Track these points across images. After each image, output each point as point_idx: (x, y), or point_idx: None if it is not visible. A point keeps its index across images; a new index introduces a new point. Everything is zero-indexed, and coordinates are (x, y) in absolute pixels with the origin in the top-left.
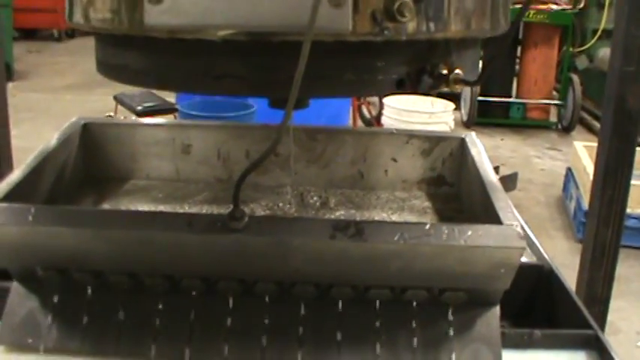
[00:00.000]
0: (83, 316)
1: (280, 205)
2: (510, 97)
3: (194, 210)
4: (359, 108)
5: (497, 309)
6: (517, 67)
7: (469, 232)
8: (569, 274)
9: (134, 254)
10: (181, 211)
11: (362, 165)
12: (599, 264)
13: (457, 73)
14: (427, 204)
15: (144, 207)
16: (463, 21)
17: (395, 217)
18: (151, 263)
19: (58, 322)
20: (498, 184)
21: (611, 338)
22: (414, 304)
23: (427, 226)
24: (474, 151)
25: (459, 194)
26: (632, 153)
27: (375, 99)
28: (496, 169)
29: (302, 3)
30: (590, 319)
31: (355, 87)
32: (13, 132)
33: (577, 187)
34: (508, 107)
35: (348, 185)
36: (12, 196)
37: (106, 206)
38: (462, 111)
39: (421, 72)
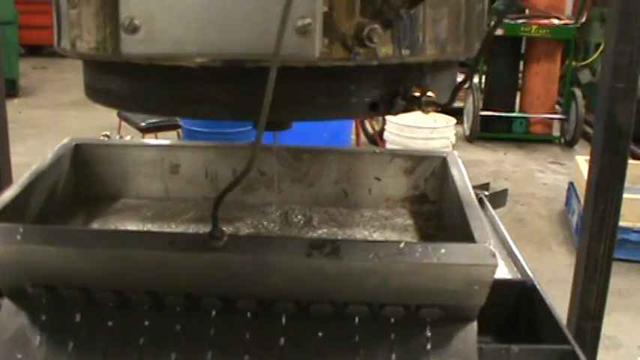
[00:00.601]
0: (71, 332)
1: (265, 223)
2: (513, 111)
3: (181, 228)
4: (362, 124)
5: (474, 325)
6: (520, 81)
7: (442, 250)
8: (570, 289)
9: (119, 272)
10: (168, 229)
11: (346, 184)
12: (592, 278)
13: (429, 96)
14: (409, 222)
15: (132, 225)
16: (435, 45)
17: (376, 235)
18: (135, 280)
19: (46, 338)
20: (475, 203)
21: (612, 353)
22: (392, 320)
23: (401, 245)
24: (454, 170)
25: (441, 212)
26: (623, 168)
27: None
28: (486, 185)
29: (270, 32)
30: (568, 335)
31: (329, 110)
32: (18, 148)
33: (579, 201)
34: (511, 122)
35: (333, 203)
36: (3, 214)
37: (95, 225)
38: (465, 125)
39: (394, 95)
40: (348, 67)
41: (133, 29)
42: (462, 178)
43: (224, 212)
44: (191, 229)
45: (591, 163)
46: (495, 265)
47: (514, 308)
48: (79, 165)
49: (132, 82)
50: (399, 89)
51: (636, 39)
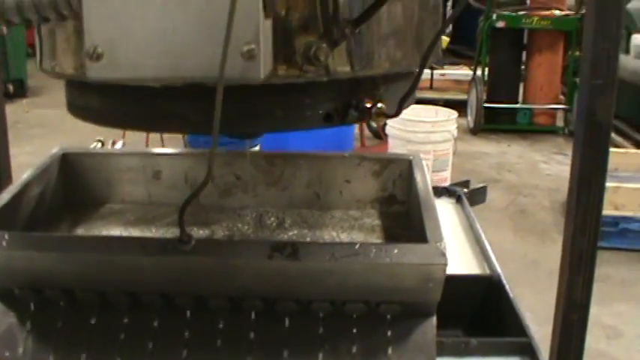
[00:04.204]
0: (56, 329)
1: (240, 226)
2: (517, 102)
3: (161, 232)
4: None
5: (433, 319)
6: (523, 73)
7: (395, 251)
8: None
9: (99, 274)
10: (149, 233)
11: (318, 186)
12: (577, 270)
13: (379, 107)
14: (377, 222)
15: (116, 230)
16: (383, 58)
17: (343, 236)
18: (114, 282)
19: (33, 336)
20: (433, 204)
21: (613, 342)
22: (354, 316)
23: (357, 246)
24: (417, 173)
25: (409, 212)
26: (605, 162)
27: None
28: (466, 182)
29: (218, 57)
30: (527, 328)
31: (285, 123)
32: (27, 148)
33: None
34: (515, 113)
35: (306, 206)
36: None
37: (80, 230)
38: (469, 118)
39: (347, 106)
40: (301, 83)
41: (97, 56)
42: (424, 180)
43: (203, 215)
44: (171, 232)
45: (573, 157)
46: (445, 264)
47: (482, 302)
48: (66, 173)
49: (107, 100)
50: (352, 101)
51: (613, 36)
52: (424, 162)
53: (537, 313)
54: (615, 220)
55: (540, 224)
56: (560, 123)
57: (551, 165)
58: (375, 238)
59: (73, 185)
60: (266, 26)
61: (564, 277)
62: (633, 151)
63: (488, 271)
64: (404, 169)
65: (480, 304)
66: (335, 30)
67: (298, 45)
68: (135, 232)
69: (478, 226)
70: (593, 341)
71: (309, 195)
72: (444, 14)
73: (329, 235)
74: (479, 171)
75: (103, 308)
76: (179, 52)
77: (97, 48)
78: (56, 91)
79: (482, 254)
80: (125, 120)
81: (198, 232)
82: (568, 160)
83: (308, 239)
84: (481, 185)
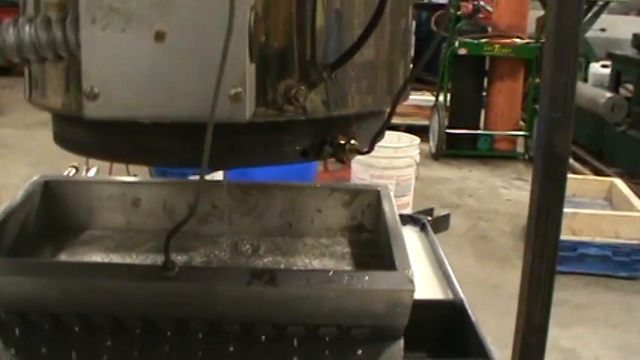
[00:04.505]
0: (40, 353)
1: (216, 252)
2: (478, 129)
3: (141, 258)
4: None
5: (400, 342)
6: (484, 99)
7: (366, 278)
8: None
9: (84, 299)
10: (129, 259)
11: (290, 215)
12: (535, 295)
13: (352, 144)
14: (347, 250)
15: (97, 256)
16: (358, 99)
17: (315, 263)
18: (98, 306)
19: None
20: (401, 233)
21: None
22: (327, 339)
23: (330, 273)
24: (385, 203)
25: (377, 240)
26: (562, 193)
27: None
28: (430, 210)
29: (206, 98)
30: (489, 350)
31: (265, 159)
32: None
33: None
34: (476, 139)
35: (279, 233)
36: None
37: (63, 256)
38: (431, 143)
39: (322, 143)
40: (280, 121)
41: (94, 96)
42: (392, 210)
43: (181, 242)
44: (150, 258)
45: (532, 187)
46: (412, 290)
47: (447, 326)
48: (48, 200)
49: (95, 134)
50: (327, 138)
51: (570, 70)
52: (391, 192)
53: (498, 336)
54: (573, 245)
55: (501, 249)
56: (520, 149)
57: (511, 190)
58: (345, 265)
59: (54, 212)
60: (251, 70)
61: (523, 302)
62: (591, 177)
63: (451, 296)
64: (372, 199)
65: (445, 328)
66: (313, 73)
67: (279, 87)
68: (116, 259)
69: (442, 253)
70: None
71: (282, 223)
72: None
73: (302, 262)
74: (440, 196)
75: (87, 331)
76: (170, 93)
77: (94, 88)
78: (18, 111)
79: (446, 280)
80: (112, 153)
81: (177, 258)
82: (527, 186)
83: (282, 266)
84: (444, 213)
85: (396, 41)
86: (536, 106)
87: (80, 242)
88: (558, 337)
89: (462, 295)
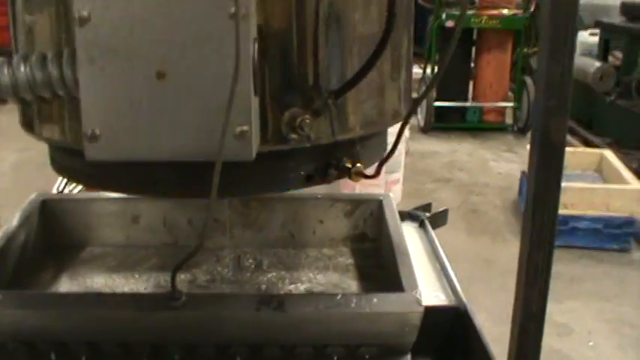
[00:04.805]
0: None
1: (219, 269)
2: (467, 101)
3: (144, 278)
4: None
5: (408, 356)
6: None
7: (374, 300)
8: None
9: (91, 329)
10: (132, 279)
11: (292, 227)
12: (533, 284)
13: (358, 167)
14: (350, 261)
15: (99, 276)
16: (362, 122)
17: (320, 277)
18: (106, 335)
19: None
20: (406, 249)
21: (565, 339)
22: (335, 358)
23: (339, 297)
24: (388, 213)
25: (380, 248)
26: (558, 181)
27: None
28: (427, 206)
29: (210, 138)
30: (492, 356)
31: (269, 185)
32: None
33: None
34: (464, 111)
35: (281, 245)
36: None
37: (65, 277)
38: (419, 117)
39: (327, 166)
40: (285, 149)
41: (94, 138)
42: (394, 218)
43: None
44: (153, 277)
45: (529, 177)
46: (421, 312)
47: (449, 331)
48: (46, 219)
49: (94, 165)
50: (332, 161)
51: (566, 59)
52: (393, 201)
53: (492, 313)
54: (565, 219)
55: (492, 224)
56: (509, 120)
57: (500, 163)
58: (350, 279)
59: (53, 230)
60: (255, 105)
61: (521, 289)
62: (581, 149)
63: (454, 299)
64: (374, 208)
65: (448, 334)
66: (317, 102)
67: (283, 117)
68: (118, 279)
69: (442, 253)
70: (546, 338)
71: (284, 235)
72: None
73: (306, 276)
74: (431, 170)
75: (95, 359)
76: (173, 132)
77: (95, 130)
78: None
79: (448, 283)
80: (114, 184)
81: (180, 277)
82: (517, 158)
83: (287, 281)
84: (442, 209)
85: (400, 60)
86: (525, 78)
87: (81, 261)
88: (551, 311)
89: (464, 300)
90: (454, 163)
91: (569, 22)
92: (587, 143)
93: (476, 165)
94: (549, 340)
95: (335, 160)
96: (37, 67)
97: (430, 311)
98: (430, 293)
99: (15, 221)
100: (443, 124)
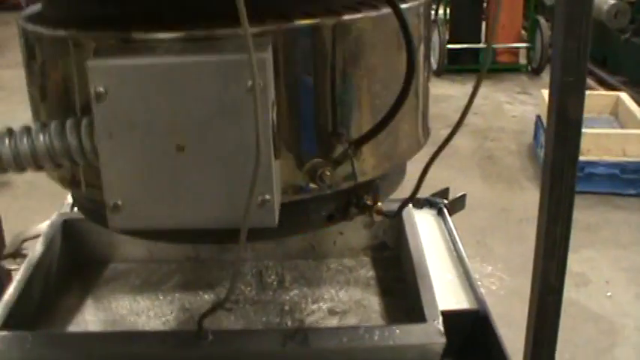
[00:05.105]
0: None
1: (242, 287)
2: (479, 42)
3: (168, 298)
4: None
5: None
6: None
7: (397, 332)
8: None
9: None
10: (157, 301)
11: (313, 238)
12: (551, 257)
13: (379, 206)
14: (371, 273)
15: (124, 299)
16: (383, 162)
17: (342, 294)
18: None
19: None
20: (426, 268)
21: (582, 289)
22: None
23: (362, 330)
24: (407, 225)
25: (399, 257)
26: (576, 156)
27: None
28: (445, 191)
29: (233, 205)
30: None
31: (292, 229)
32: None
33: None
34: (478, 53)
35: (302, 256)
36: (10, 320)
37: (90, 301)
38: (432, 59)
39: (348, 205)
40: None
41: (117, 209)
42: (414, 232)
43: (205, 274)
44: (177, 297)
45: (546, 153)
46: (443, 343)
47: (469, 334)
48: (69, 239)
49: None
50: (352, 199)
51: (583, 35)
52: (412, 210)
53: (508, 263)
54: (581, 165)
55: (508, 170)
56: (523, 61)
57: (515, 105)
58: (371, 294)
59: (76, 249)
60: (276, 172)
61: (539, 262)
62: (596, 92)
63: (474, 301)
64: (393, 220)
65: (467, 337)
66: (338, 152)
67: (303, 168)
68: (143, 301)
69: (460, 246)
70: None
71: (305, 246)
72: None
73: (328, 293)
74: (445, 115)
75: None
76: (194, 201)
77: (117, 201)
78: (15, 50)
79: (466, 278)
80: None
81: (204, 297)
82: (532, 100)
83: (309, 299)
84: (460, 194)
85: (418, 93)
86: (538, 17)
87: (105, 280)
88: (569, 261)
89: (484, 303)
90: None
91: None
92: (602, 82)
93: (490, 108)
94: (567, 292)
95: (356, 198)
96: (56, 137)
97: (449, 316)
98: (449, 296)
99: (39, 247)
100: (456, 66)
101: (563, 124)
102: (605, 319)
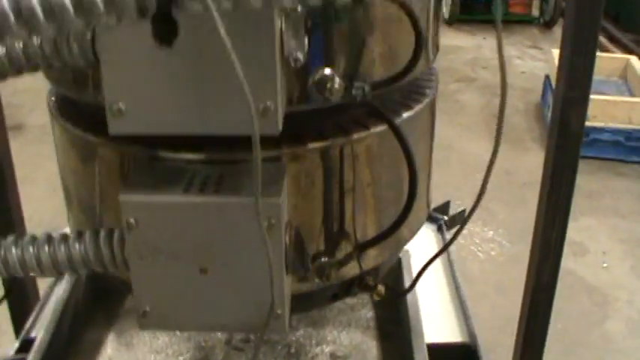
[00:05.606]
0: None
1: None
2: None
3: (185, 335)
4: None
5: None
6: None
7: None
8: None
9: None
10: (175, 339)
11: None
12: (545, 258)
13: (380, 288)
14: (371, 314)
15: (144, 334)
16: (384, 252)
17: (343, 336)
18: None
19: None
20: (421, 330)
21: (579, 259)
22: None
23: None
24: (406, 273)
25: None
26: (574, 167)
27: None
28: (446, 206)
29: (251, 318)
30: None
31: (298, 307)
32: None
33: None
34: (490, 3)
35: None
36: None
37: (112, 336)
38: (444, 9)
39: (350, 284)
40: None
41: (144, 315)
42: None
43: None
44: (193, 335)
45: (546, 162)
46: None
47: None
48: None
49: None
50: (355, 281)
51: (589, 52)
52: (410, 257)
53: (509, 229)
54: (586, 131)
55: (514, 131)
56: (536, 12)
57: (525, 61)
58: (370, 338)
59: (99, 276)
60: (287, 287)
61: (533, 263)
62: (606, 55)
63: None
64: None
65: None
66: (344, 255)
67: (313, 266)
68: (161, 336)
69: (457, 275)
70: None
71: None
72: None
73: (331, 334)
74: (454, 68)
75: None
76: (216, 316)
77: (146, 308)
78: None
79: (461, 308)
80: None
81: (217, 335)
82: (542, 56)
83: (314, 341)
84: (460, 210)
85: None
86: None
87: (126, 311)
88: (568, 229)
89: (476, 337)
90: (478, 60)
91: (593, 15)
92: (613, 40)
93: None
94: (564, 261)
95: (358, 279)
96: (91, 247)
97: (439, 349)
98: (442, 326)
99: (66, 287)
100: (468, 16)
101: (565, 136)
102: (599, 290)
